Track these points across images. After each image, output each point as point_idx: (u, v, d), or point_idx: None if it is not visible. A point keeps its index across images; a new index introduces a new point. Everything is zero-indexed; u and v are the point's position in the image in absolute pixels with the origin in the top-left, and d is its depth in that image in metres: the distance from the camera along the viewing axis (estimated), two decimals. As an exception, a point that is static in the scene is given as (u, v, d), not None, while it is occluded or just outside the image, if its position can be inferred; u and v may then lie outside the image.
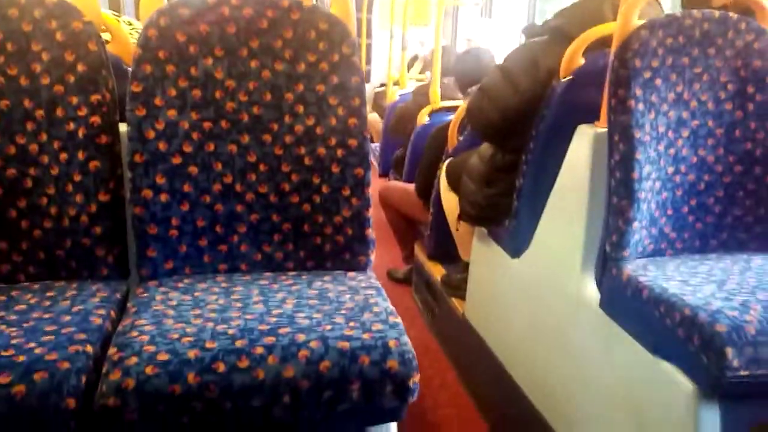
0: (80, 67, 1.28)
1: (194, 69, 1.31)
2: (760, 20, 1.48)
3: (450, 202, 2.25)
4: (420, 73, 4.98)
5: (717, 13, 1.44)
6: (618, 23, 1.41)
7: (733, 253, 1.47)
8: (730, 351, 1.06)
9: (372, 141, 5.08)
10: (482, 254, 2.07)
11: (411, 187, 2.86)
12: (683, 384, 1.15)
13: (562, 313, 1.59)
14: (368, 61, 5.88)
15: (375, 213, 1.46)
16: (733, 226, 1.50)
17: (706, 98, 1.45)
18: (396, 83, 4.54)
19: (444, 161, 2.43)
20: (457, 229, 2.19)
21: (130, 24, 2.40)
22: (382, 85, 5.38)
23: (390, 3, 4.91)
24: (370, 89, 5.51)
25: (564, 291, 1.57)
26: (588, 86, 1.57)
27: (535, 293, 1.73)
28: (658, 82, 1.39)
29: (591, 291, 1.45)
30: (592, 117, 1.53)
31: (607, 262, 1.40)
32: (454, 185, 2.18)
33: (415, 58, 5.21)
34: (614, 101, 1.38)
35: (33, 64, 1.27)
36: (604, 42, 1.55)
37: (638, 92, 1.36)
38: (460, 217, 2.07)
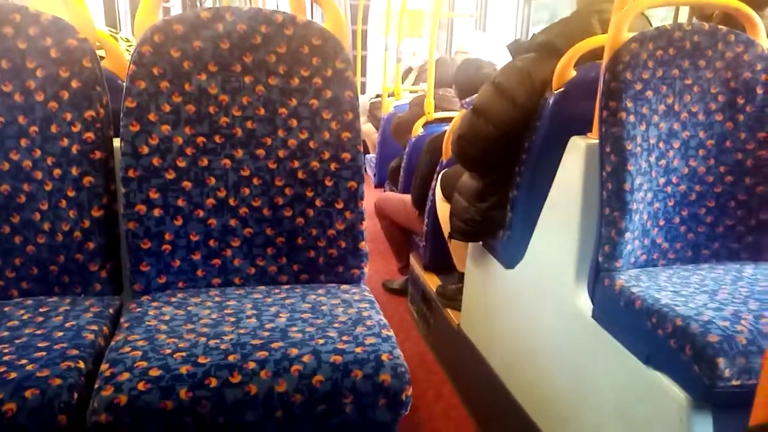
0: (74, 84, 1.29)
1: (188, 84, 1.31)
2: (750, 32, 1.50)
3: (445, 212, 2.25)
4: (414, 84, 4.99)
5: (706, 26, 1.45)
6: (609, 36, 1.42)
7: (725, 262, 1.48)
8: (721, 361, 1.07)
9: (367, 152, 5.08)
10: (477, 265, 2.07)
11: (407, 197, 2.87)
12: (675, 394, 1.16)
13: (555, 324, 1.59)
14: (363, 73, 5.89)
15: (370, 224, 1.46)
16: (725, 235, 1.50)
17: (697, 109, 1.46)
18: (391, 94, 4.56)
19: (439, 172, 2.44)
20: (450, 240, 2.19)
21: (127, 41, 2.42)
22: (378, 96, 5.39)
23: (385, 14, 4.93)
24: (365, 100, 5.52)
25: (557, 302, 1.57)
26: (580, 98, 1.59)
27: (529, 304, 1.73)
28: (649, 93, 1.40)
29: (584, 301, 1.46)
30: (584, 128, 1.53)
31: (599, 273, 1.40)
32: (449, 196, 2.18)
33: (409, 71, 5.23)
34: (605, 113, 1.39)
35: (28, 81, 1.28)
36: (595, 54, 1.57)
37: (629, 104, 1.37)
38: (450, 237, 2.07)
